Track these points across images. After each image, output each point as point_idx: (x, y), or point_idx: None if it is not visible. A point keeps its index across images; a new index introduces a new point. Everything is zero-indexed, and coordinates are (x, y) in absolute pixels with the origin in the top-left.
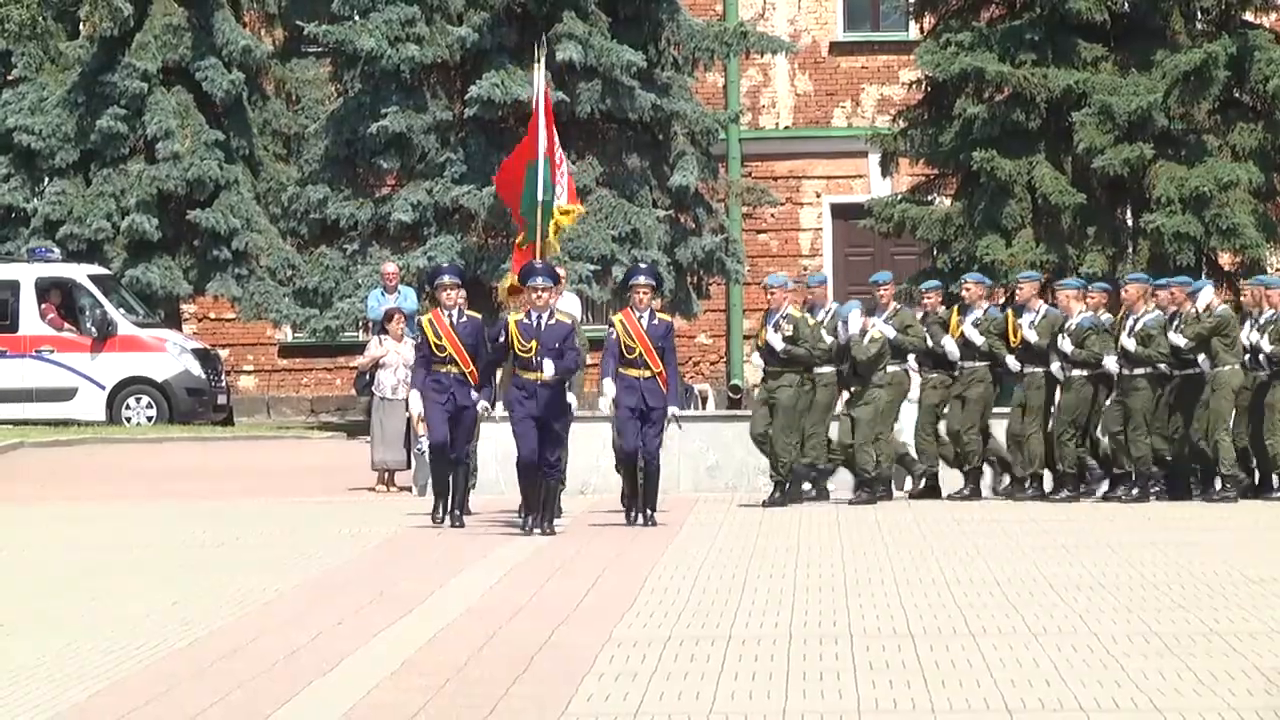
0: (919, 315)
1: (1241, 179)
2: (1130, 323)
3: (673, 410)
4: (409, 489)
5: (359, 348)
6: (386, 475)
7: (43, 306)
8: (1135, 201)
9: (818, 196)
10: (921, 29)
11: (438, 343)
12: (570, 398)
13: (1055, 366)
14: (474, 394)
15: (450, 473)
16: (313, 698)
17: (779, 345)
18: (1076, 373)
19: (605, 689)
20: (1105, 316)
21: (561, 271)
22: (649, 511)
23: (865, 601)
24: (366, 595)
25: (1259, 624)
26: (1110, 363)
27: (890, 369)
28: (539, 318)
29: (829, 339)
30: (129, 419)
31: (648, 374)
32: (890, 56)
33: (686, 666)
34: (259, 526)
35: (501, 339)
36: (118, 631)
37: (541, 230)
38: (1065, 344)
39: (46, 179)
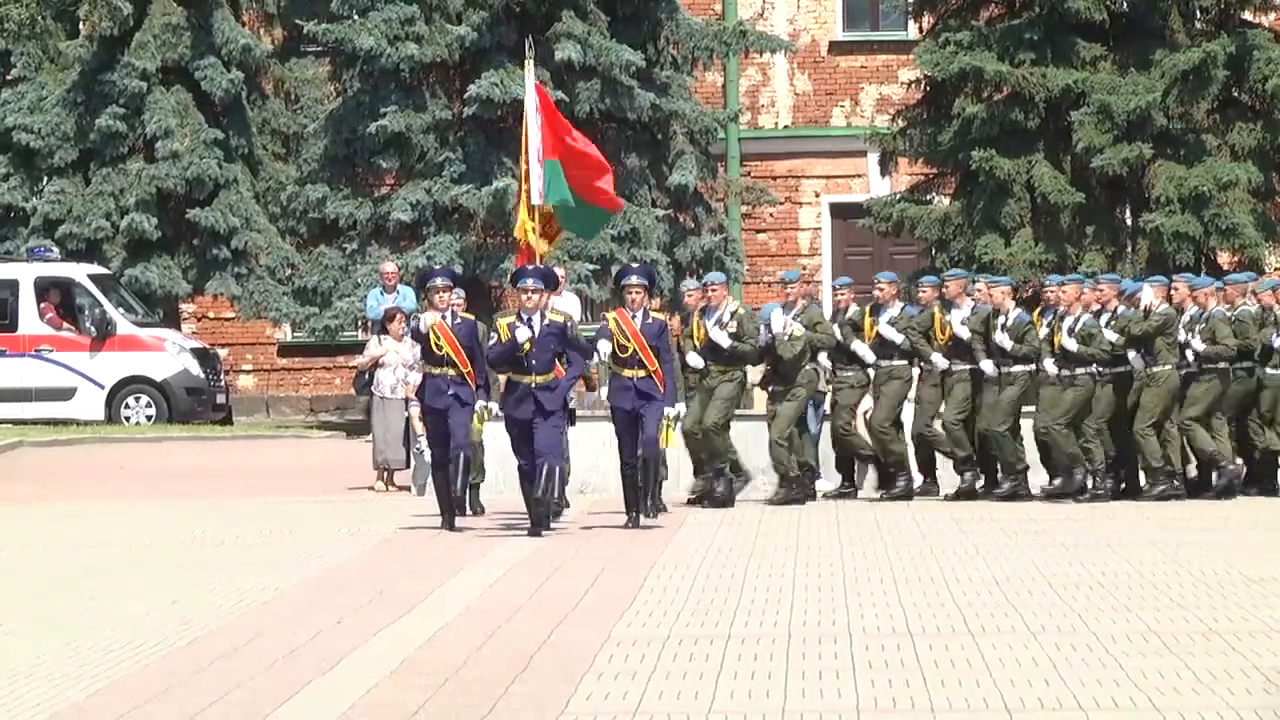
0: (832, 313)
1: (1240, 178)
2: (1069, 322)
3: (669, 411)
4: (408, 489)
5: (358, 347)
6: (386, 475)
7: (42, 306)
8: (1134, 201)
9: (817, 196)
10: (920, 28)
11: (436, 342)
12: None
13: (987, 363)
14: (475, 400)
15: (452, 481)
16: (312, 697)
17: (725, 343)
18: (1018, 368)
19: (604, 688)
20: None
21: (561, 271)
22: (650, 502)
23: (864, 600)
24: (366, 594)
25: (1258, 623)
26: (1049, 363)
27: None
28: (530, 320)
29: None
30: (128, 418)
31: (643, 373)
32: (889, 56)
33: (686, 666)
34: (258, 526)
35: (493, 341)
36: (117, 631)
37: (537, 231)
38: (1005, 340)
39: (46, 178)
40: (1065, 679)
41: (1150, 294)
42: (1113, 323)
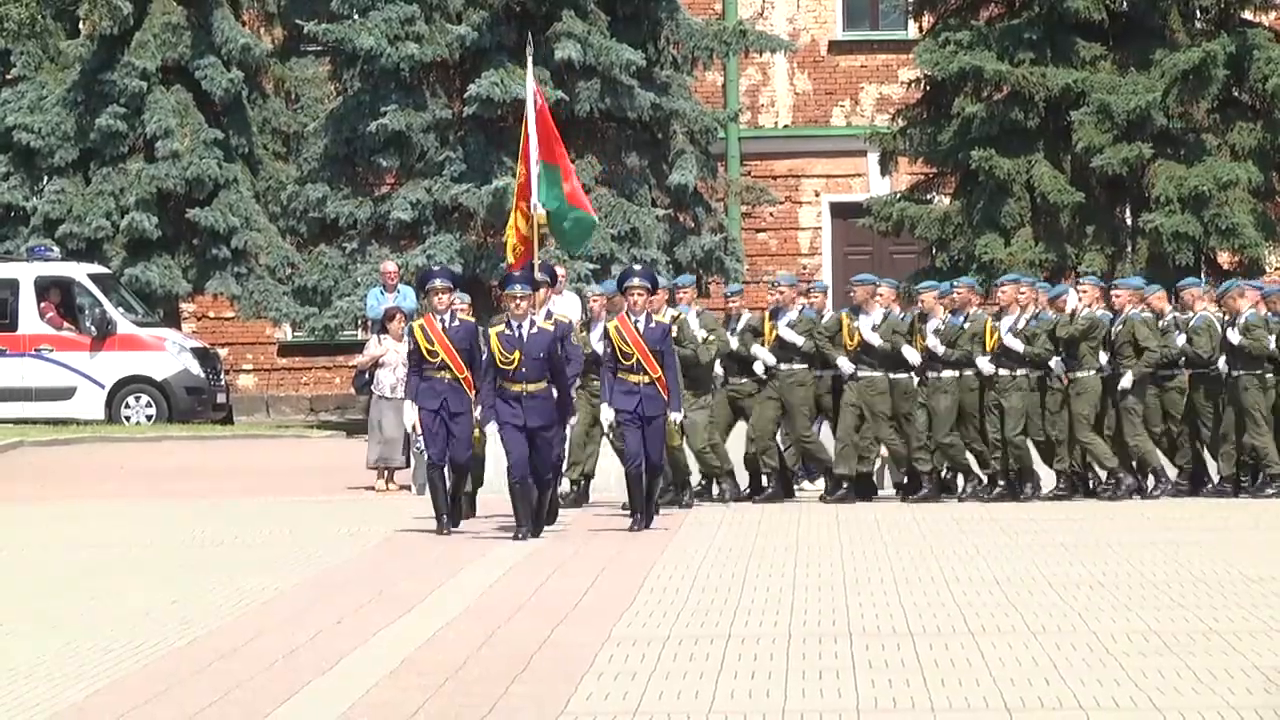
0: (725, 318)
1: (1240, 178)
2: (1009, 321)
3: (675, 416)
4: (408, 488)
5: (358, 346)
6: (386, 473)
7: (42, 305)
8: (1134, 201)
9: (817, 195)
10: (920, 28)
11: (429, 348)
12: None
13: (910, 351)
14: (471, 408)
15: (448, 485)
16: (312, 696)
17: None
18: (947, 374)
19: (604, 688)
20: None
21: (561, 271)
22: (638, 515)
23: (864, 600)
24: (366, 594)
25: (1258, 623)
26: (984, 363)
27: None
28: (520, 327)
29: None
30: (128, 418)
31: (646, 380)
32: (889, 55)
33: (686, 665)
34: (258, 525)
35: (486, 355)
36: (117, 630)
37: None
38: (937, 345)
39: (46, 177)
40: (1065, 678)
41: (1075, 297)
42: (1033, 324)
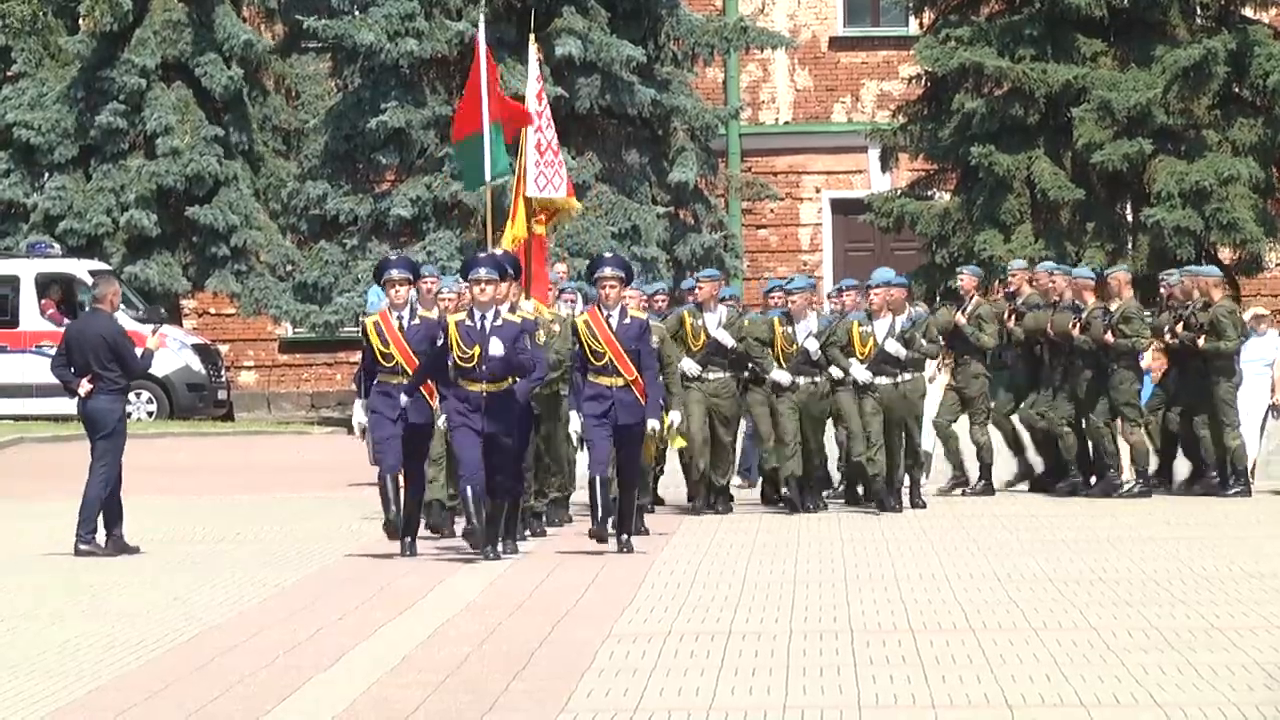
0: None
1: (1241, 174)
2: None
3: (652, 424)
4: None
5: (358, 343)
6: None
7: (42, 302)
8: (1135, 197)
9: (817, 192)
10: (921, 24)
11: (384, 350)
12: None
13: (774, 370)
14: (435, 416)
15: (409, 499)
16: (313, 693)
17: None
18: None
19: (605, 685)
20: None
21: (562, 268)
22: (624, 536)
23: (865, 596)
24: (367, 591)
25: (1259, 619)
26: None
27: None
28: (482, 318)
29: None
30: (129, 414)
31: (620, 382)
32: (890, 52)
33: (686, 662)
34: (259, 522)
35: (440, 343)
36: (118, 627)
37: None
38: (812, 345)
39: (46, 174)
40: (1066, 675)
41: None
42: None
